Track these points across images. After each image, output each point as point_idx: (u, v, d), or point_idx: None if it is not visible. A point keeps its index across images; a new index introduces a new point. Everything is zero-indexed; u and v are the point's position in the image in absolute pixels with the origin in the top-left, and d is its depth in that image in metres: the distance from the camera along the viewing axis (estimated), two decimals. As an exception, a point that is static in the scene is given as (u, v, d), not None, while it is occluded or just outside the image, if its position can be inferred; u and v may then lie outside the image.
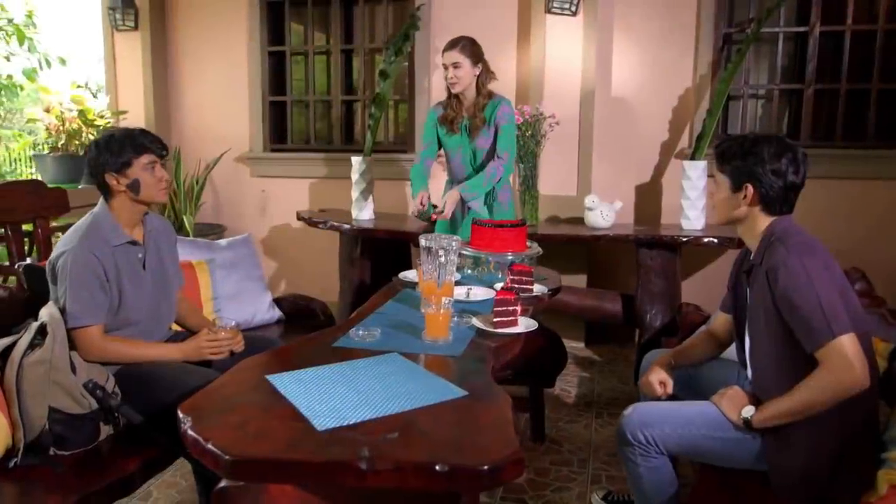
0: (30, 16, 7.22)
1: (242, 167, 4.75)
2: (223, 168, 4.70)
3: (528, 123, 3.68)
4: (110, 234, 2.06)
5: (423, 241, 2.21)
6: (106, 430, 1.92)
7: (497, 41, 4.19)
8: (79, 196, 3.88)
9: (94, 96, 4.21)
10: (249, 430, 1.33)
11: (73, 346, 2.00)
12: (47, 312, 1.91)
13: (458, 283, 2.54)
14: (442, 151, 3.22)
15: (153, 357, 2.06)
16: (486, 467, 1.21)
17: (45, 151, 4.03)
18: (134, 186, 2.07)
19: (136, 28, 4.50)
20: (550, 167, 4.08)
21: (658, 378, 1.97)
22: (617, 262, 4.11)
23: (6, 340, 1.85)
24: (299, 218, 4.16)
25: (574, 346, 4.19)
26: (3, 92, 7.35)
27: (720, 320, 2.08)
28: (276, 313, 3.09)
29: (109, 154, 2.04)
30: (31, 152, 4.13)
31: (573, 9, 3.87)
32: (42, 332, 1.84)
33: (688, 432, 1.73)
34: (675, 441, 1.74)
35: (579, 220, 3.86)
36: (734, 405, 1.73)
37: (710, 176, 1.89)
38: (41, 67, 7.25)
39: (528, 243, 2.81)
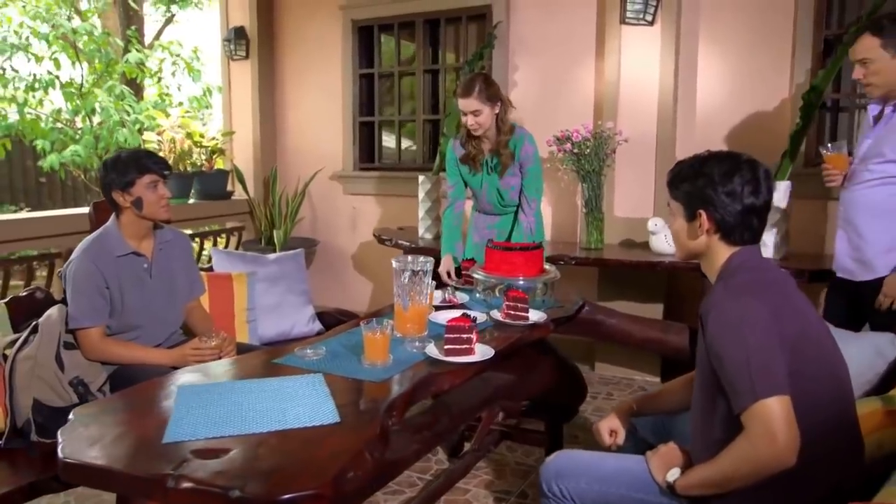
0: (195, 51, 8.22)
1: (336, 185, 4.99)
2: (320, 186, 4.98)
3: (586, 142, 3.49)
4: (115, 246, 2.27)
5: (394, 264, 2.18)
6: (90, 424, 2.11)
7: (575, 55, 4.05)
8: (181, 211, 4.33)
9: (192, 119, 4.66)
10: (110, 438, 1.40)
11: (76, 344, 2.24)
12: (47, 313, 2.16)
13: (461, 307, 2.48)
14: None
15: (144, 360, 2.23)
16: (281, 498, 1.18)
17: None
18: (137, 203, 2.26)
19: (247, 57, 4.94)
20: (624, 187, 3.84)
21: (609, 426, 1.78)
22: (693, 291, 3.74)
23: (12, 337, 2.12)
24: (374, 234, 4.29)
25: (649, 380, 3.88)
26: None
27: (704, 365, 1.82)
28: (317, 326, 3.20)
29: (115, 173, 2.24)
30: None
31: (649, 18, 3.63)
32: (36, 331, 2.09)
33: (605, 489, 1.54)
34: (591, 498, 1.55)
35: (654, 245, 3.57)
36: (663, 465, 1.52)
37: (669, 201, 1.67)
38: (206, 96, 8.23)
39: (546, 267, 2.66)
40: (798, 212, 3.30)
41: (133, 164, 2.26)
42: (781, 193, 3.15)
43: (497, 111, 2.84)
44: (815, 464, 1.39)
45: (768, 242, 3.18)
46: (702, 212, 1.53)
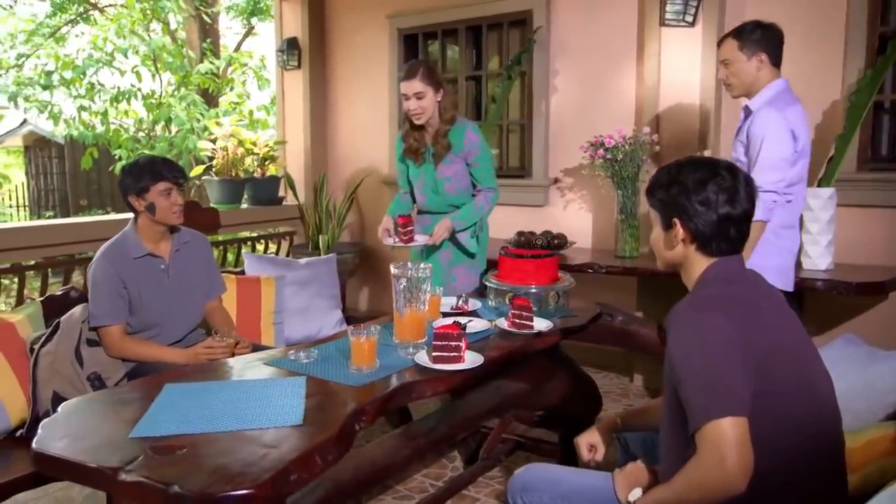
0: (262, 60, 8.58)
1: (384, 190, 5.06)
2: (368, 191, 5.07)
3: (619, 147, 3.40)
4: (132, 248, 2.40)
5: (392, 270, 2.20)
6: (107, 417, 2.24)
7: (616, 59, 3.95)
8: (232, 216, 4.50)
9: (249, 128, 4.84)
10: (84, 431, 1.48)
11: (100, 342, 2.38)
12: (70, 312, 2.30)
13: (472, 314, 2.48)
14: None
15: (159, 358, 2.33)
16: (216, 495, 1.22)
17: (215, 177, 4.75)
18: (150, 209, 2.37)
19: (299, 67, 5.09)
20: (664, 194, 3.70)
21: (588, 441, 1.73)
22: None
23: (40, 332, 2.28)
24: (412, 240, 4.32)
25: (689, 394, 3.72)
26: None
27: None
28: (344, 329, 3.26)
29: (131, 178, 2.36)
30: (204, 177, 4.86)
31: (690, 19, 3.50)
32: (58, 328, 2.23)
33: (567, 506, 1.50)
34: (554, 513, 1.51)
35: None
36: (627, 483, 1.46)
37: (648, 209, 1.62)
38: (273, 104, 8.57)
39: (561, 274, 2.62)
40: (846, 220, 3.10)
41: (148, 170, 2.36)
42: (825, 201, 2.97)
43: (439, 98, 2.77)
44: (785, 488, 1.31)
45: (812, 254, 3.00)
46: (676, 221, 1.48)
